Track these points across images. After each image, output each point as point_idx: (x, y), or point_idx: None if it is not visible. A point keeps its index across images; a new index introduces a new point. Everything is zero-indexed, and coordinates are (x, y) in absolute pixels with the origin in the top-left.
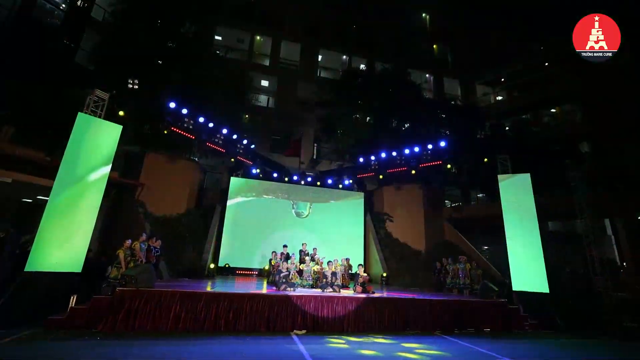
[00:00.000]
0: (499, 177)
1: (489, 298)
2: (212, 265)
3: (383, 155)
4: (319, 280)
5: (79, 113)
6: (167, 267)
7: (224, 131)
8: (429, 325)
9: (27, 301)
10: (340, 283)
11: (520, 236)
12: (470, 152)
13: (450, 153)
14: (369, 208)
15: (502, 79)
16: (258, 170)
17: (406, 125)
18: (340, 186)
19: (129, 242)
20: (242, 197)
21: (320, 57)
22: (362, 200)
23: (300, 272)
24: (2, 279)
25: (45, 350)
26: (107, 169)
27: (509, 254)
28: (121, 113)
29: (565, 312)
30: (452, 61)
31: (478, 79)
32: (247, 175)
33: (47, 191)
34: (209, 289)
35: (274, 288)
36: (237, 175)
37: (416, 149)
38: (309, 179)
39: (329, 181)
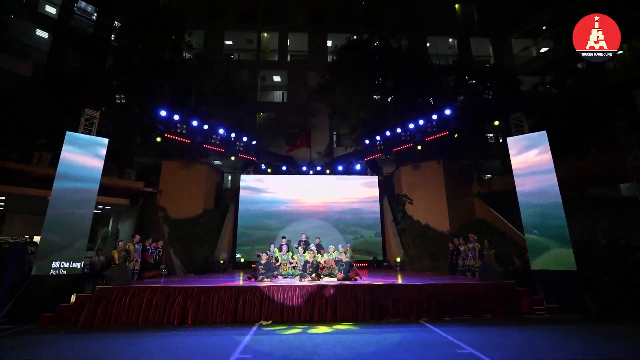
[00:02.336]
0: (508, 139)
1: (491, 279)
2: (221, 261)
3: (388, 133)
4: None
5: (67, 132)
6: (182, 264)
7: (221, 131)
8: (413, 313)
9: (35, 300)
10: (332, 272)
11: (537, 206)
12: (479, 116)
13: (458, 121)
14: (386, 191)
15: (544, 27)
16: (264, 166)
17: (431, 100)
18: (352, 172)
19: (121, 243)
20: (255, 192)
21: (330, 43)
22: (376, 183)
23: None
24: (11, 282)
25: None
26: (97, 179)
27: (524, 227)
28: (112, 128)
29: (601, 294)
30: (479, 19)
31: (513, 32)
32: (257, 171)
33: None
34: (220, 283)
35: (253, 279)
36: (248, 173)
37: (420, 122)
38: (318, 168)
39: (339, 168)
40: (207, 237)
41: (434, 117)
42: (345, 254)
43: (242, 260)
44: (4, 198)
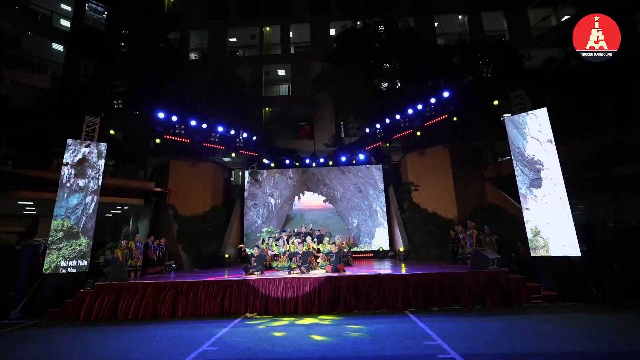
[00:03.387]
0: (505, 119)
1: (483, 268)
2: (227, 255)
3: (387, 120)
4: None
5: (68, 139)
6: (190, 259)
7: (220, 129)
8: (399, 303)
9: (46, 296)
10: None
11: (537, 188)
12: (483, 96)
13: (460, 103)
14: (392, 180)
15: None
16: (266, 160)
17: (441, 83)
18: (355, 162)
19: (124, 242)
20: (261, 187)
21: (332, 31)
22: (381, 172)
23: (291, 255)
24: (24, 281)
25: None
26: (98, 181)
27: (523, 212)
28: (112, 132)
29: (608, 280)
30: None
31: (530, 2)
32: (261, 167)
33: (112, 206)
34: (225, 276)
35: (244, 273)
36: (253, 168)
37: (419, 107)
38: (322, 160)
39: (343, 158)
40: (214, 233)
41: (432, 100)
42: (335, 245)
43: (250, 254)
44: (32, 203)
